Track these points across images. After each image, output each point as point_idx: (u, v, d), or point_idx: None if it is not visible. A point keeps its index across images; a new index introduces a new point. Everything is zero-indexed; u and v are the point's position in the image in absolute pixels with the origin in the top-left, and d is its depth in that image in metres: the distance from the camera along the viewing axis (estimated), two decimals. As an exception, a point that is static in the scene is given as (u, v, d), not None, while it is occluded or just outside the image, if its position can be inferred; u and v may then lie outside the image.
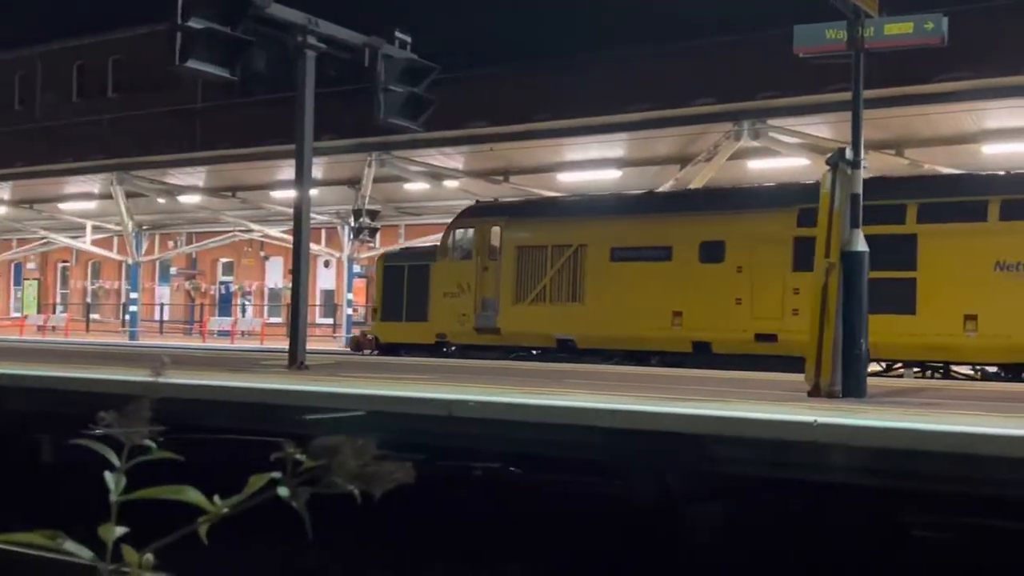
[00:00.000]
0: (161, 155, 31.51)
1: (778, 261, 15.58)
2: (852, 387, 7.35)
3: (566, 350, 17.40)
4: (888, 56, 8.43)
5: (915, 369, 15.15)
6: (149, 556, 1.04)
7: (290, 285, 12.13)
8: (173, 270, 43.69)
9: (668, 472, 5.58)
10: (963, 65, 22.04)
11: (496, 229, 18.74)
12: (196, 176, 30.56)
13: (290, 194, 17.36)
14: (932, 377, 14.99)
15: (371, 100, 11.39)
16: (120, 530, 1.05)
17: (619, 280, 17.14)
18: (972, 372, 15.15)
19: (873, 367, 15.02)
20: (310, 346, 11.58)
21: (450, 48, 25.99)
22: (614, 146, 23.40)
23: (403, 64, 11.61)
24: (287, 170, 19.20)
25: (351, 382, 7.99)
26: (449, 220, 20.51)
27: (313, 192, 23.22)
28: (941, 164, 20.00)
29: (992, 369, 14.80)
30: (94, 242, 37.00)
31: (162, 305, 42.88)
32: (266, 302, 41.31)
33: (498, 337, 18.28)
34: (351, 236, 27.98)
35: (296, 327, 10.79)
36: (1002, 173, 16.70)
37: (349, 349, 23.49)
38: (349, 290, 31.51)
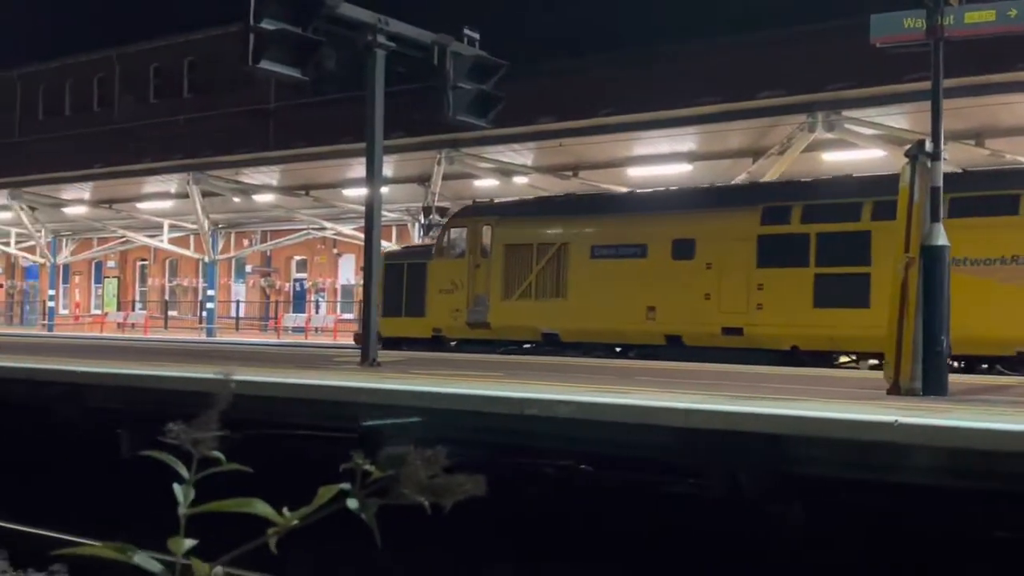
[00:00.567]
0: (235, 155, 32.04)
1: (743, 258, 16.32)
2: (933, 385, 7.15)
3: (551, 343, 18.19)
4: (969, 44, 8.16)
5: (871, 361, 15.57)
6: (219, 570, 1.03)
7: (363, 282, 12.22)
8: (248, 268, 44.47)
9: (742, 472, 5.49)
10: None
11: (487, 228, 19.68)
12: (270, 175, 31.01)
13: (361, 192, 17.50)
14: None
15: (440, 98, 11.42)
16: (189, 542, 1.04)
17: (599, 277, 17.97)
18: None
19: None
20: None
21: (518, 43, 25.97)
22: (684, 140, 23.15)
23: (472, 61, 11.61)
24: (358, 168, 19.34)
25: (422, 380, 8.02)
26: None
27: (384, 190, 23.42)
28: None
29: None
30: (171, 240, 37.80)
31: (238, 302, 43.66)
32: (339, 299, 41.83)
33: (488, 331, 19.12)
34: (421, 233, 28.14)
35: (368, 324, 10.86)
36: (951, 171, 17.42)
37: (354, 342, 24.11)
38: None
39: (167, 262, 46.58)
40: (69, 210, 36.90)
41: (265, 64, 10.10)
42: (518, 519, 6.44)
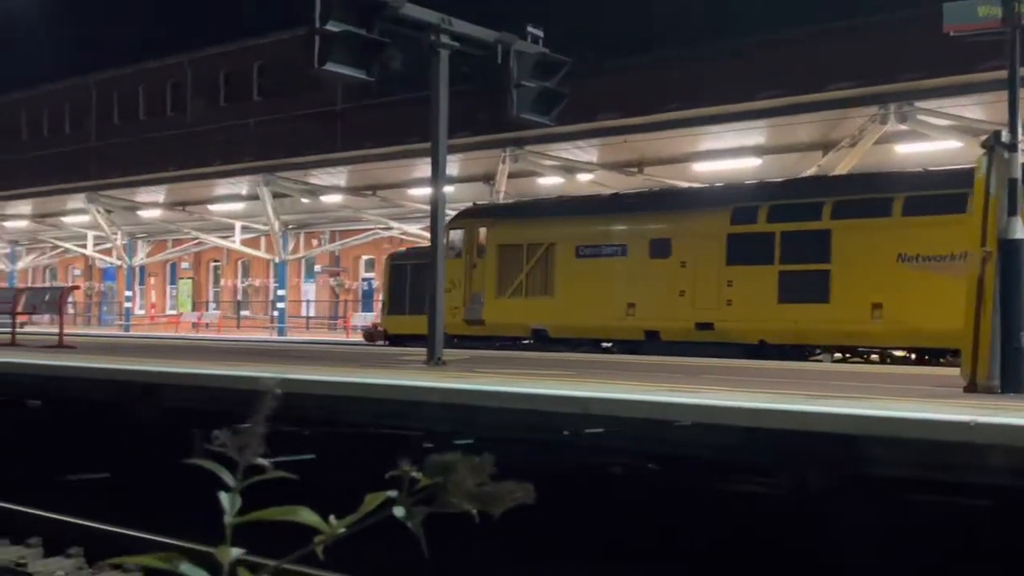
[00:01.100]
0: (304, 156, 32.46)
1: (714, 256, 17.16)
2: (1011, 383, 6.93)
3: (540, 339, 19.23)
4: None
5: (836, 354, 16.34)
6: (265, 578, 1.02)
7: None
8: (317, 268, 45.04)
9: (811, 473, 5.38)
10: None
11: (483, 230, 20.75)
12: (338, 176, 31.37)
13: (427, 191, 17.59)
14: (848, 361, 16.23)
15: (504, 96, 11.41)
16: (236, 552, 1.03)
17: (583, 275, 18.90)
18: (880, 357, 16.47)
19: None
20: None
21: (581, 39, 25.86)
22: (752, 134, 22.87)
23: (535, 59, 11.58)
24: (424, 168, 19.47)
25: (488, 379, 8.02)
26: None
27: (449, 189, 23.53)
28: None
29: (899, 353, 16.02)
30: (243, 242, 38.47)
31: (308, 302, 44.23)
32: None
33: (483, 328, 20.11)
34: (487, 231, 28.20)
35: (433, 323, 10.90)
36: (906, 171, 18.27)
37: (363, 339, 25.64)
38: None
39: (239, 263, 47.39)
40: (144, 213, 37.75)
41: (330, 66, 10.18)
42: (584, 518, 6.40)
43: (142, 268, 46.89)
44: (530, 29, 11.65)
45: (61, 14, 67.21)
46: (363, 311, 42.42)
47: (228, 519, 1.03)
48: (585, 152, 25.56)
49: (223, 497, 1.04)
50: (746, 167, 23.44)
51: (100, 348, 14.88)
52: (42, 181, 41.98)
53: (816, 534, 5.62)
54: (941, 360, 14.92)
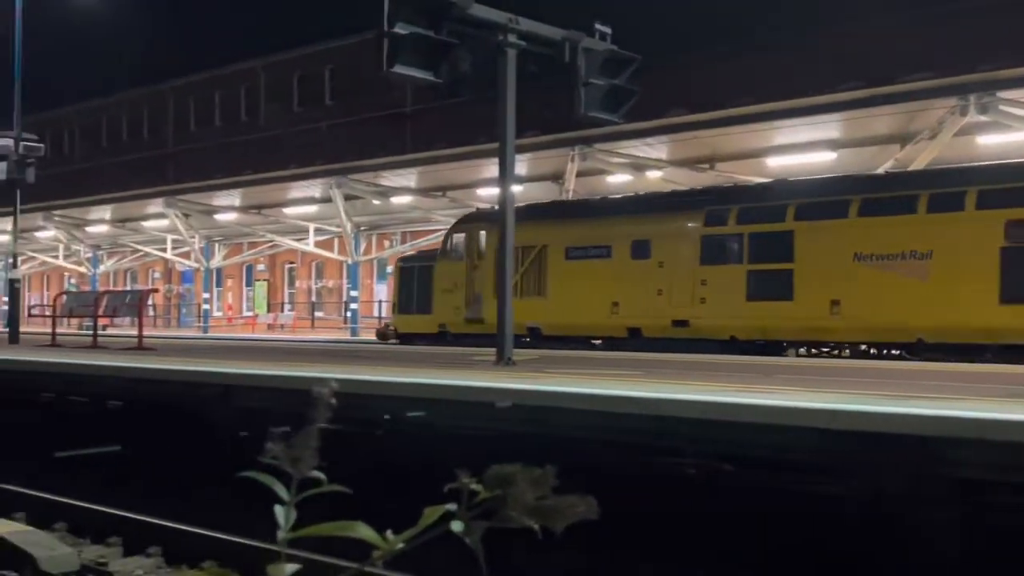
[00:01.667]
0: (376, 158, 32.73)
1: (689, 257, 18.09)
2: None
3: (535, 336, 20.09)
4: None
5: (800, 349, 17.31)
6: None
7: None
8: (389, 268, 45.39)
9: (888, 475, 5.23)
10: None
11: (482, 233, 21.74)
12: (408, 177, 31.56)
13: (496, 191, 17.60)
14: (811, 355, 16.97)
15: (572, 94, 11.35)
16: (291, 567, 1.00)
17: (572, 276, 19.89)
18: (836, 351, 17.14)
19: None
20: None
21: (649, 34, 25.62)
22: (827, 127, 22.40)
23: (603, 56, 11.50)
24: (493, 168, 19.49)
25: (558, 379, 7.97)
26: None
27: (518, 188, 23.51)
28: None
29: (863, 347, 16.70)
30: (317, 243, 38.95)
31: (380, 302, 44.63)
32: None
33: (483, 326, 20.85)
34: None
35: (503, 323, 10.89)
36: (862, 173, 19.20)
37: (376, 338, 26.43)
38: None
39: (313, 264, 48.00)
40: (220, 216, 38.43)
41: (399, 68, 10.22)
42: (658, 520, 6.32)
43: (219, 271, 47.75)
44: (598, 26, 11.57)
45: (139, 23, 68.86)
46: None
47: (281, 534, 1.00)
48: (655, 149, 25.31)
49: (278, 511, 1.02)
50: (820, 161, 22.99)
51: (177, 350, 15.18)
52: (121, 186, 43.06)
53: (900, 539, 5.46)
54: (895, 354, 15.82)
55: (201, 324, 44.60)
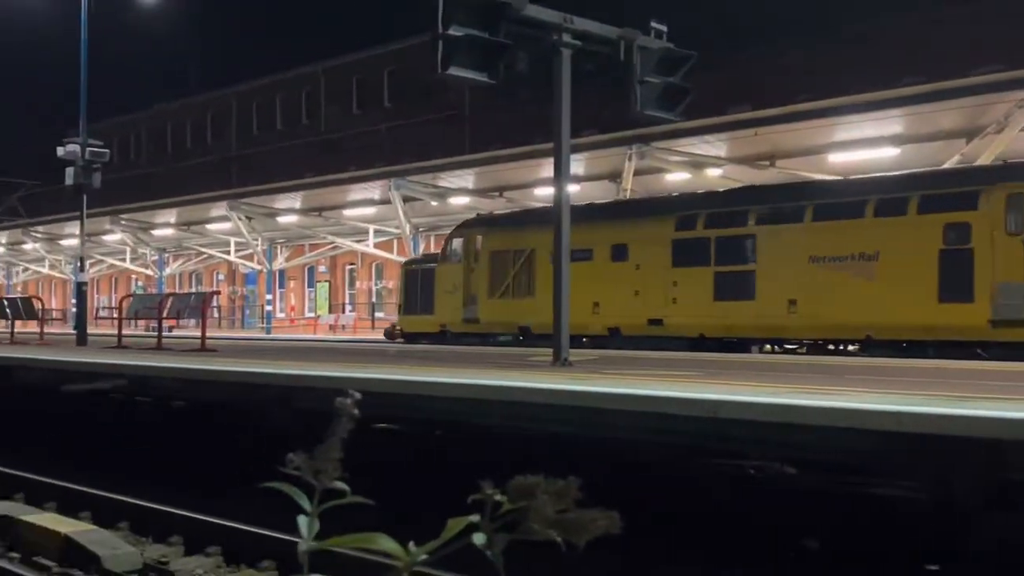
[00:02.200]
0: (434, 160, 32.88)
1: (662, 259, 19.13)
2: None
3: (525, 336, 20.89)
4: None
5: (766, 346, 18.35)
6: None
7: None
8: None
9: (955, 478, 5.10)
10: None
11: (479, 237, 23.06)
12: (465, 178, 31.64)
13: (552, 191, 17.59)
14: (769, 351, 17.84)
15: (628, 93, 11.28)
16: (313, 580, 0.99)
17: None
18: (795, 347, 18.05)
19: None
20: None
21: (705, 30, 25.38)
22: (890, 123, 21.95)
23: (659, 54, 11.41)
24: (550, 168, 19.49)
25: (615, 380, 7.92)
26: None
27: (575, 188, 23.41)
28: None
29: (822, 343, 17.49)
30: (377, 245, 39.26)
31: (439, 303, 44.81)
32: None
33: (479, 326, 22.31)
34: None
35: (559, 324, 10.86)
36: (816, 179, 20.87)
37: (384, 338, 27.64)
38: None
39: (373, 265, 48.39)
40: (282, 218, 38.90)
41: (454, 70, 10.25)
42: (713, 520, 6.25)
43: (281, 272, 48.36)
44: (653, 24, 11.48)
45: (203, 31, 70.06)
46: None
47: (303, 545, 0.99)
48: (713, 147, 25.04)
49: (301, 521, 1.01)
50: (883, 157, 22.56)
51: (239, 351, 15.39)
52: (186, 190, 43.82)
53: (956, 540, 5.33)
54: (848, 348, 16.99)
55: (264, 325, 45.19)
